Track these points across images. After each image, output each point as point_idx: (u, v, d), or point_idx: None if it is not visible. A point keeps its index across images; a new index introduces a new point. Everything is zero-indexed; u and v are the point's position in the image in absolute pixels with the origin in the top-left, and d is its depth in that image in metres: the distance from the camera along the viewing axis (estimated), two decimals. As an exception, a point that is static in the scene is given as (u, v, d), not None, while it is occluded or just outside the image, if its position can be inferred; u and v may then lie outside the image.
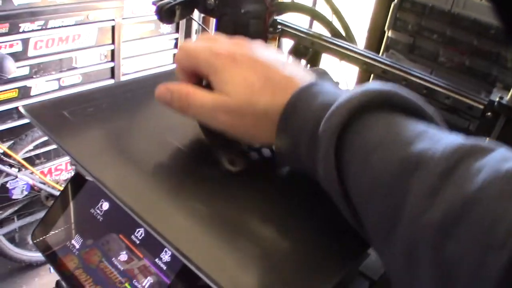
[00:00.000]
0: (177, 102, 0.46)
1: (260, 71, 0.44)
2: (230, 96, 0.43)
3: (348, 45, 0.75)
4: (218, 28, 0.69)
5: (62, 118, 0.51)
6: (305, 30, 0.77)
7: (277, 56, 0.46)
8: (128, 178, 0.44)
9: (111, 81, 2.34)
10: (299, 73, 0.44)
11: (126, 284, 0.46)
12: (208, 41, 0.47)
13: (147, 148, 0.50)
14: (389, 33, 1.24)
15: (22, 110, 0.51)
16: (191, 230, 0.39)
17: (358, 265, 0.51)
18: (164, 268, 0.45)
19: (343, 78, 1.03)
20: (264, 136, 0.44)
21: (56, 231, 0.53)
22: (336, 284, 0.37)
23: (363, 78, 1.34)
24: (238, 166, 0.46)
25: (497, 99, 0.57)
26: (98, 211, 0.51)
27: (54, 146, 1.61)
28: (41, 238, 0.54)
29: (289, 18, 0.87)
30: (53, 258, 0.53)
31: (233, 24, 0.66)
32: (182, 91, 0.46)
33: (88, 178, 0.49)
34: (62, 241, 0.52)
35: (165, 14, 0.72)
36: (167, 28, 2.53)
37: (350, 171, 0.37)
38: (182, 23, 2.54)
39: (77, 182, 0.53)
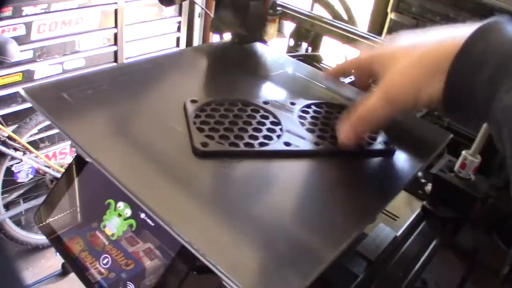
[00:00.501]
0: (360, 126, 0.49)
1: (418, 39, 0.46)
2: (390, 71, 0.46)
3: (350, 28, 0.75)
4: (218, 11, 0.69)
5: (62, 100, 0.52)
6: (305, 12, 0.77)
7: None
8: (128, 161, 0.45)
9: (115, 64, 2.33)
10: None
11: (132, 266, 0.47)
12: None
13: (146, 130, 0.50)
14: (392, 16, 1.23)
15: (22, 92, 0.52)
16: (190, 212, 0.40)
17: (355, 245, 0.52)
18: (166, 249, 0.46)
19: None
20: (433, 87, 0.43)
21: (60, 215, 0.54)
22: (330, 262, 0.37)
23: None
24: (208, 148, 0.47)
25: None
26: (101, 193, 0.52)
27: (58, 130, 1.61)
28: (45, 222, 0.55)
29: (290, 1, 0.87)
30: (57, 241, 0.53)
31: (232, 6, 0.66)
32: (354, 117, 0.49)
33: (88, 160, 0.50)
34: (66, 225, 0.53)
35: (165, -4, 0.71)
36: (170, 11, 2.51)
37: None
38: (185, 6, 2.52)
39: (78, 164, 0.54)
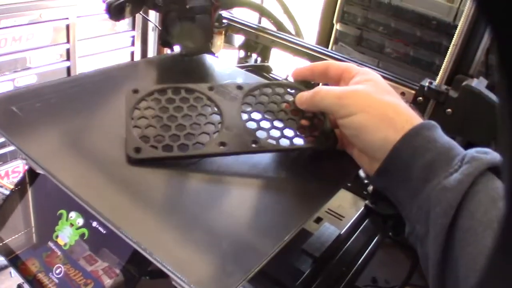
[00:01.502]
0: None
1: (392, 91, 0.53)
2: (364, 86, 0.50)
3: (294, 39, 0.78)
4: (164, 24, 0.71)
5: (11, 114, 0.53)
6: (250, 24, 0.80)
7: None
8: (78, 170, 0.46)
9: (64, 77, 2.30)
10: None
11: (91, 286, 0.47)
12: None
13: (96, 139, 0.52)
14: (337, 26, 1.28)
15: (-32, 106, 0.52)
16: (137, 216, 0.42)
17: (301, 244, 0.55)
18: (119, 259, 0.46)
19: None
20: (379, 119, 0.48)
21: (14, 235, 0.54)
22: (270, 256, 0.40)
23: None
24: (141, 155, 0.48)
25: (427, 84, 0.61)
26: (53, 204, 0.52)
27: (11, 148, 1.58)
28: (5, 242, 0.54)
29: (239, 14, 0.90)
30: (14, 261, 0.53)
31: (178, 19, 0.68)
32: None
33: (40, 171, 0.50)
34: (20, 246, 0.53)
35: (114, 11, 0.73)
36: (124, 25, 2.50)
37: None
38: (138, 20, 2.52)
39: (29, 178, 0.55)
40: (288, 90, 0.59)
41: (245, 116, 0.54)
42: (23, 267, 0.51)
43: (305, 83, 0.59)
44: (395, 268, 0.83)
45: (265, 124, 0.54)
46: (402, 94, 0.66)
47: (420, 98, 0.62)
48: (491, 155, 0.43)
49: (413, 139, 0.45)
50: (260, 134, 0.53)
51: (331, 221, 0.65)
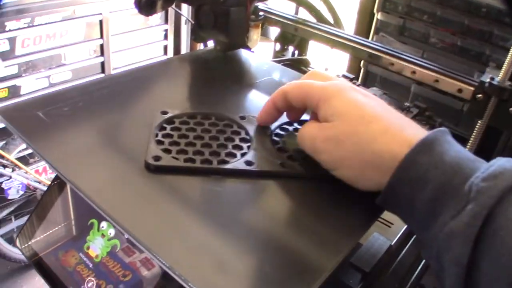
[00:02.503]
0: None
1: (377, 105, 0.43)
2: (333, 123, 0.43)
3: (334, 30, 0.73)
4: (197, 19, 0.67)
5: (38, 119, 0.50)
6: (288, 16, 0.75)
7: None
8: (105, 182, 0.43)
9: (96, 78, 2.31)
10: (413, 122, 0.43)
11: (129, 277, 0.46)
12: (322, 79, 0.48)
13: (125, 147, 0.48)
14: (378, 16, 1.22)
15: (-5, 112, 0.50)
16: (166, 233, 0.38)
17: (349, 257, 0.50)
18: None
19: (332, 64, 1.01)
20: (362, 169, 0.42)
21: (46, 234, 0.52)
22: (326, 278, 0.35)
23: (354, 62, 1.33)
24: (160, 163, 0.45)
25: (488, 80, 0.55)
26: (83, 210, 0.50)
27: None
28: (28, 244, 0.53)
29: (274, 5, 0.85)
30: (41, 263, 0.52)
31: (212, 12, 0.64)
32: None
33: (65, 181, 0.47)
34: (56, 241, 0.51)
35: (144, 6, 0.69)
36: (156, 19, 2.49)
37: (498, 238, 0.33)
38: (171, 13, 2.51)
39: (59, 183, 0.52)
40: None
41: (277, 143, 0.51)
42: (63, 259, 0.50)
43: None
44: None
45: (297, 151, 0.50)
46: (459, 91, 0.60)
47: (480, 95, 0.56)
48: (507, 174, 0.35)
49: (408, 171, 0.38)
50: (290, 160, 0.48)
51: (379, 229, 0.60)
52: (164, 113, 0.52)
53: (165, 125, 0.50)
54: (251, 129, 0.52)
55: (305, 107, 0.49)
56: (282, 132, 0.53)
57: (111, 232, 0.48)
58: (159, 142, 0.47)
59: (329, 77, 0.48)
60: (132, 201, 0.41)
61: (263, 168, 0.46)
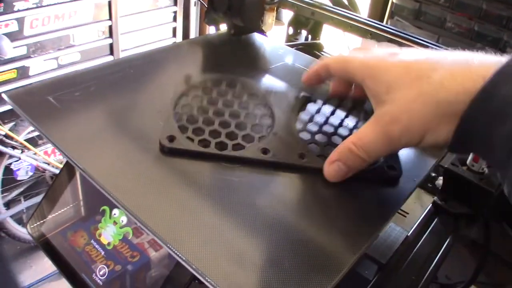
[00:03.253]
0: (354, 160, 0.41)
1: (424, 61, 0.38)
2: (392, 101, 0.38)
3: (351, 14, 0.71)
4: (211, 2, 0.65)
5: (48, 104, 0.49)
6: (304, 0, 0.73)
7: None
8: (117, 169, 0.42)
9: (110, 58, 2.30)
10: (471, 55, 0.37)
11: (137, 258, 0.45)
12: (360, 51, 0.44)
13: (138, 133, 0.47)
14: (393, -1, 1.19)
15: (5, 97, 0.49)
16: (182, 224, 0.37)
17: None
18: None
19: (345, 48, 0.99)
20: (443, 130, 0.36)
21: (54, 215, 0.52)
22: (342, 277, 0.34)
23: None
24: (174, 145, 0.43)
25: None
26: (95, 196, 0.49)
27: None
28: (36, 224, 0.52)
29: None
30: (48, 244, 0.52)
31: (227, -5, 0.62)
32: (347, 147, 0.41)
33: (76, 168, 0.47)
34: (64, 222, 0.51)
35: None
36: (165, 1, 2.47)
37: None
38: (180, -5, 2.48)
39: (70, 168, 0.51)
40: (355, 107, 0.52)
41: (300, 125, 0.48)
42: (72, 239, 0.50)
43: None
44: (456, 263, 0.77)
45: (320, 138, 0.47)
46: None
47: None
48: None
49: (485, 104, 0.33)
50: (312, 148, 0.46)
51: (395, 219, 0.59)
52: (188, 78, 0.50)
53: (187, 93, 0.49)
54: (277, 107, 0.49)
55: (351, 82, 0.47)
56: (308, 116, 0.50)
57: (123, 219, 0.47)
58: (177, 115, 0.46)
59: (370, 49, 0.44)
60: (144, 188, 0.40)
61: (279, 159, 0.44)
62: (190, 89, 0.49)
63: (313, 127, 0.49)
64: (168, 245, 0.34)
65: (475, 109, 0.34)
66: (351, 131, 0.49)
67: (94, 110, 0.49)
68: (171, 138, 0.44)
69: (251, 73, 0.61)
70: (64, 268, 0.50)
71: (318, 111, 0.51)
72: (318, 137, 0.48)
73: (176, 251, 0.34)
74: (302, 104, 0.52)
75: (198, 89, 0.50)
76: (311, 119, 0.50)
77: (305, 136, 0.47)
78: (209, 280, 0.32)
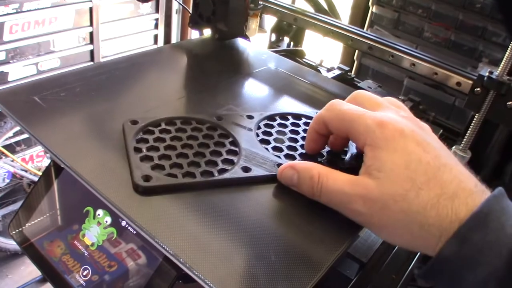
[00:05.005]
0: (307, 185, 0.40)
1: (431, 160, 0.36)
2: (379, 182, 0.36)
3: (333, 21, 0.72)
4: (196, 6, 0.66)
5: (33, 104, 0.49)
6: (287, 6, 0.75)
7: (446, 149, 0.39)
8: (105, 167, 0.42)
9: (91, 64, 2.28)
10: (469, 178, 0.37)
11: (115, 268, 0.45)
12: (369, 105, 0.42)
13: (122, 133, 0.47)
14: (373, 9, 1.22)
15: (-11, 96, 0.49)
16: (169, 220, 0.37)
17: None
18: (152, 251, 0.43)
19: (326, 55, 1.01)
20: (406, 238, 0.36)
21: (38, 220, 0.51)
22: (325, 271, 0.35)
23: (347, 54, 1.32)
24: (151, 183, 0.41)
25: (487, 74, 0.55)
26: (79, 200, 0.48)
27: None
28: (19, 229, 0.52)
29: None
30: (32, 249, 0.50)
31: (212, 1, 0.63)
32: (312, 172, 0.40)
33: (64, 166, 0.47)
34: (46, 228, 0.50)
35: (141, -7, 0.68)
36: (147, 8, 2.46)
37: None
38: (162, 2, 2.48)
39: (53, 170, 0.51)
40: (307, 121, 0.54)
41: (264, 144, 0.49)
42: (49, 249, 0.49)
43: None
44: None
45: (287, 150, 0.49)
46: (458, 84, 0.60)
47: (478, 89, 0.56)
48: None
49: (459, 249, 0.33)
50: (283, 160, 0.47)
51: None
52: (134, 123, 0.47)
53: (144, 136, 0.46)
54: (233, 129, 0.49)
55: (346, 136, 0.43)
56: (267, 129, 0.51)
57: (107, 220, 0.47)
58: (145, 158, 0.44)
59: (377, 102, 0.42)
60: (130, 185, 0.40)
61: (261, 173, 0.44)
62: (144, 132, 0.47)
63: (276, 143, 0.50)
64: (156, 239, 0.35)
65: (448, 252, 0.34)
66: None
67: (80, 110, 0.49)
68: (147, 178, 0.41)
69: (234, 76, 0.62)
70: (49, 272, 0.49)
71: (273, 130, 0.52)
72: (284, 150, 0.49)
73: (163, 245, 0.34)
74: (257, 123, 0.52)
75: (154, 132, 0.48)
76: (269, 134, 0.51)
77: (272, 152, 0.48)
78: (196, 273, 0.32)
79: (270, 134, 0.51)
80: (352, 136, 0.40)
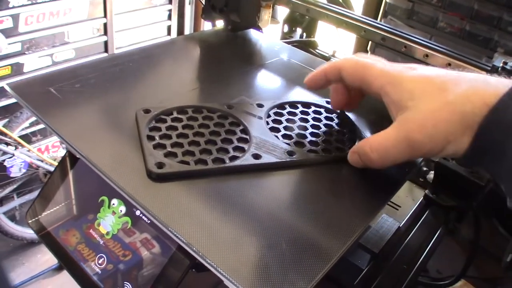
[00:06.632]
0: (367, 162, 0.43)
1: (447, 71, 0.40)
2: (416, 108, 0.39)
3: (346, 11, 0.72)
4: (209, -2, 0.66)
5: (49, 95, 0.50)
6: (300, -3, 0.75)
7: None
8: (119, 157, 0.43)
9: (105, 55, 2.30)
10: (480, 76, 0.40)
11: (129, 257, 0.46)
12: (370, 59, 0.45)
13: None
14: (387, -1, 1.21)
15: (7, 88, 0.50)
16: (185, 210, 0.38)
17: (358, 238, 0.50)
18: (166, 241, 0.44)
19: (339, 46, 1.00)
20: (465, 141, 0.38)
21: (53, 209, 0.52)
22: (335, 261, 0.36)
23: (360, 45, 1.32)
24: (164, 170, 0.42)
25: (501, 64, 0.55)
26: (95, 190, 0.49)
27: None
28: (36, 218, 0.53)
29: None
30: (49, 237, 0.51)
31: (225, -8, 0.63)
32: (361, 149, 0.44)
33: (79, 156, 0.48)
34: (60, 218, 0.51)
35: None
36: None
37: None
38: (175, -7, 2.49)
39: (69, 159, 0.52)
40: (316, 110, 0.55)
41: (274, 132, 0.50)
42: (64, 238, 0.50)
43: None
44: (446, 258, 0.79)
45: (297, 138, 0.50)
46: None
47: (492, 79, 0.56)
48: None
49: (502, 115, 0.35)
50: (294, 148, 0.48)
51: (387, 211, 0.60)
52: (147, 111, 0.48)
53: (157, 125, 0.48)
54: (244, 117, 0.50)
55: (360, 89, 0.46)
56: (276, 117, 0.52)
57: (122, 209, 0.48)
58: (158, 146, 0.45)
59: (378, 58, 0.45)
60: (145, 175, 0.41)
61: (271, 160, 0.45)
62: (158, 120, 0.48)
63: (287, 130, 0.50)
64: (170, 228, 0.35)
65: (492, 119, 0.36)
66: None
67: (94, 101, 0.50)
68: (160, 165, 0.42)
69: (247, 67, 0.62)
70: (65, 260, 0.50)
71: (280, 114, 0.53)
72: (295, 137, 0.50)
73: (177, 234, 0.35)
74: (267, 112, 0.53)
75: (167, 121, 0.49)
76: (278, 122, 0.52)
77: (282, 139, 0.49)
78: (209, 261, 0.33)
79: (280, 122, 0.52)
80: (366, 81, 0.43)
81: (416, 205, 0.60)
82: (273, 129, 0.50)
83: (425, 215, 0.58)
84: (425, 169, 0.65)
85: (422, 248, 0.54)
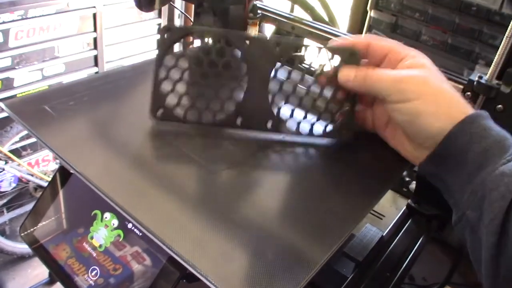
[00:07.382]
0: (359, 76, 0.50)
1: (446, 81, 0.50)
2: (424, 70, 0.48)
3: (330, 29, 0.75)
4: (197, 15, 0.69)
5: (44, 113, 0.51)
6: (285, 15, 0.77)
7: None
8: (113, 172, 0.45)
9: (95, 69, 2.31)
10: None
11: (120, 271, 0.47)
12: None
13: (131, 139, 0.50)
14: (371, 13, 1.24)
15: (2, 106, 0.51)
16: (174, 222, 0.40)
17: (342, 246, 0.52)
18: (156, 254, 0.45)
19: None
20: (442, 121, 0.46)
21: (45, 222, 0.54)
22: (320, 267, 0.38)
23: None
24: (162, 118, 0.50)
25: (476, 78, 0.57)
26: (87, 204, 0.51)
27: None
28: (29, 231, 0.54)
29: (271, 3, 0.87)
30: (42, 250, 0.53)
31: (212, 10, 0.66)
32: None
33: (73, 172, 0.49)
34: (52, 232, 0.53)
35: (144, 2, 0.71)
36: (150, 14, 2.49)
37: None
38: (165, 8, 2.51)
39: (63, 174, 0.53)
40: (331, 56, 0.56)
41: (271, 89, 0.53)
42: (54, 252, 0.51)
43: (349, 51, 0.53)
44: (432, 265, 0.81)
45: (290, 103, 0.54)
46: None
47: (469, 93, 0.58)
48: None
49: (470, 126, 0.45)
50: (282, 114, 0.53)
51: (371, 221, 0.63)
52: (168, 30, 0.52)
53: (167, 64, 0.52)
54: (252, 65, 0.52)
55: (380, 62, 0.52)
56: (282, 77, 0.54)
57: (114, 222, 0.50)
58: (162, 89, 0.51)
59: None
60: (137, 189, 0.43)
61: (251, 126, 0.52)
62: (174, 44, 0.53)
63: (284, 91, 0.54)
64: (160, 239, 0.37)
65: (460, 128, 0.45)
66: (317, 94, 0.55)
67: (88, 118, 0.52)
68: (159, 109, 0.51)
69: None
70: (58, 272, 0.51)
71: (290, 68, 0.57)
72: (288, 102, 0.54)
73: (168, 245, 0.37)
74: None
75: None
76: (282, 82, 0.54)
77: (276, 101, 0.53)
78: (199, 271, 0.35)
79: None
80: (393, 52, 0.51)
81: (399, 214, 0.62)
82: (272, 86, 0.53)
83: (407, 224, 0.61)
84: (407, 179, 0.68)
85: (405, 256, 0.56)
